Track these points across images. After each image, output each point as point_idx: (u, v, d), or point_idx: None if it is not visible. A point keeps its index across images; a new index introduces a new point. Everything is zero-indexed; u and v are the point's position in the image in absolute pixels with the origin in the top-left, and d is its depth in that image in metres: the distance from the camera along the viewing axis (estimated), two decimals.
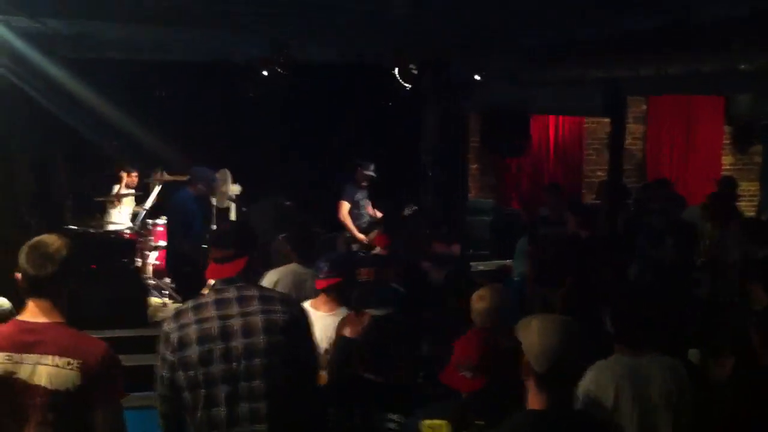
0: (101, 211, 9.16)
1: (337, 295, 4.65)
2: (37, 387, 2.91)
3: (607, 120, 10.65)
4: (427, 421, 3.04)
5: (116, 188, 9.44)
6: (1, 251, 7.14)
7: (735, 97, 11.89)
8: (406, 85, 8.63)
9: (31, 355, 2.93)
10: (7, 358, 2.95)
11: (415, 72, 8.57)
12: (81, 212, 9.03)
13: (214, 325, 3.18)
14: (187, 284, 7.51)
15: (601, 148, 12.13)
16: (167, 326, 3.24)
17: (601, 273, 5.88)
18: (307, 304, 4.54)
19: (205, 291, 5.13)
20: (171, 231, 8.24)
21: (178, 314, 3.27)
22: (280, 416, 3.18)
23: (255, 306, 3.24)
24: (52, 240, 3.07)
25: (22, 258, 3.02)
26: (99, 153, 9.31)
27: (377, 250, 6.27)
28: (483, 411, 2.94)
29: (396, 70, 8.54)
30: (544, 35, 7.23)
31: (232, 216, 9.02)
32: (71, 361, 2.92)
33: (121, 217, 9.24)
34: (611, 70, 7.47)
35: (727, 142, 12.69)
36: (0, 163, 7.40)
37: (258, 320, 3.21)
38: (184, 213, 7.88)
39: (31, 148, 8.02)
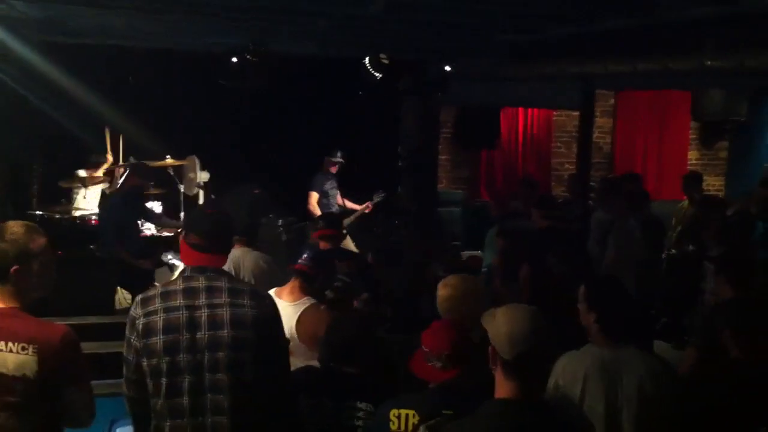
0: (67, 197, 9.04)
1: (304, 285, 4.69)
2: None
3: (575, 113, 10.74)
4: (395, 410, 3.07)
5: (82, 173, 9.31)
6: None
7: (703, 93, 12.04)
8: (377, 74, 8.62)
9: None
10: None
11: (386, 61, 8.56)
12: (47, 198, 8.92)
13: (181, 315, 3.17)
14: (131, 281, 7.36)
15: (569, 141, 12.23)
16: (134, 311, 3.22)
17: (566, 265, 5.94)
18: (270, 292, 4.59)
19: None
20: (102, 235, 7.76)
21: (145, 300, 3.24)
22: (243, 410, 3.17)
23: (223, 298, 3.22)
24: (10, 226, 3.04)
25: None
26: (69, 139, 9.19)
27: (321, 245, 6.09)
28: (451, 401, 2.98)
29: (367, 60, 8.53)
30: (519, 33, 7.27)
31: (200, 203, 8.96)
32: (26, 345, 2.91)
33: (87, 203, 9.13)
34: (584, 65, 7.55)
35: (693, 137, 12.86)
36: None
37: (224, 313, 3.19)
38: (117, 218, 7.56)
39: (4, 135, 7.91)
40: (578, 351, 3.42)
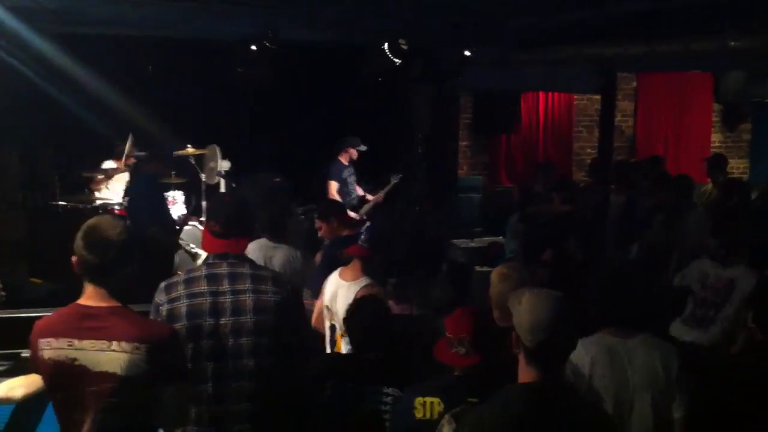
0: (89, 187, 9.09)
1: (362, 265, 4.78)
2: (103, 374, 2.82)
3: (597, 97, 10.64)
4: (420, 398, 3.06)
5: (106, 164, 9.37)
6: None
7: (724, 75, 11.89)
8: (396, 60, 8.58)
9: (95, 341, 2.84)
10: (68, 343, 2.86)
11: (405, 47, 8.51)
12: (69, 188, 8.97)
13: (205, 301, 3.19)
14: (152, 266, 7.35)
15: (591, 125, 12.13)
16: (158, 297, 3.24)
17: (584, 250, 5.92)
18: (335, 274, 4.85)
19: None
20: (133, 212, 7.85)
21: (168, 286, 3.27)
22: (265, 396, 3.19)
23: (246, 284, 3.24)
24: (108, 224, 2.94)
25: (78, 242, 2.90)
26: (88, 129, 9.23)
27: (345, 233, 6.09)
28: (476, 388, 2.96)
29: (386, 46, 8.48)
30: (535, 16, 7.19)
31: (221, 192, 8.98)
32: (139, 345, 2.82)
33: (109, 193, 9.18)
34: (602, 48, 7.45)
35: (716, 119, 12.72)
36: None
37: (247, 299, 3.21)
38: (150, 196, 7.59)
39: (19, 124, 7.95)
40: (587, 339, 3.37)
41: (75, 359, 2.84)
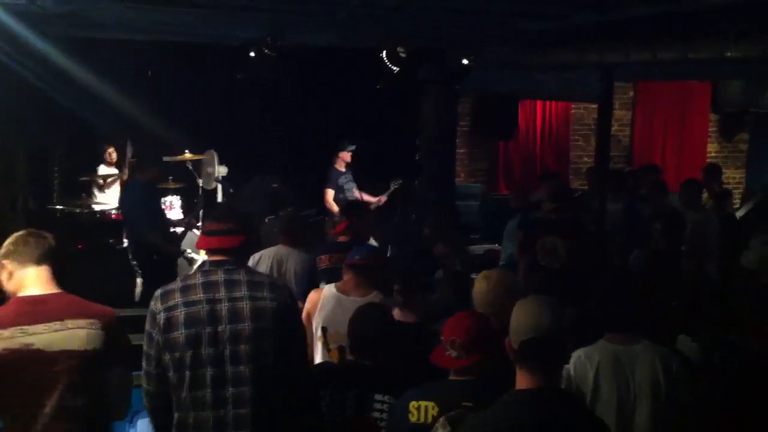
0: (88, 191, 9.10)
1: (366, 278, 4.50)
2: (63, 352, 2.92)
3: (593, 106, 10.66)
4: (415, 402, 3.06)
5: (101, 168, 9.38)
6: None
7: (723, 85, 11.92)
8: (394, 68, 8.60)
9: (48, 323, 2.94)
10: (19, 331, 2.92)
11: (403, 55, 8.54)
12: (68, 192, 8.97)
13: (202, 308, 3.19)
14: (155, 272, 7.34)
15: (587, 134, 12.16)
16: (154, 306, 3.24)
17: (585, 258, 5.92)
18: (332, 288, 4.53)
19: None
20: (131, 221, 7.71)
21: (165, 294, 3.25)
22: (265, 401, 3.20)
23: (242, 291, 3.25)
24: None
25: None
26: (91, 133, 9.24)
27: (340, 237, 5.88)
28: (471, 392, 2.97)
29: (384, 54, 8.50)
30: (539, 21, 7.21)
31: (219, 197, 8.99)
32: (93, 321, 2.98)
33: (107, 197, 9.18)
34: (604, 55, 7.46)
35: (713, 129, 12.75)
36: None
37: (244, 306, 3.22)
38: (144, 203, 7.52)
39: (26, 127, 7.95)
40: (590, 347, 3.42)
41: (30, 344, 2.92)
